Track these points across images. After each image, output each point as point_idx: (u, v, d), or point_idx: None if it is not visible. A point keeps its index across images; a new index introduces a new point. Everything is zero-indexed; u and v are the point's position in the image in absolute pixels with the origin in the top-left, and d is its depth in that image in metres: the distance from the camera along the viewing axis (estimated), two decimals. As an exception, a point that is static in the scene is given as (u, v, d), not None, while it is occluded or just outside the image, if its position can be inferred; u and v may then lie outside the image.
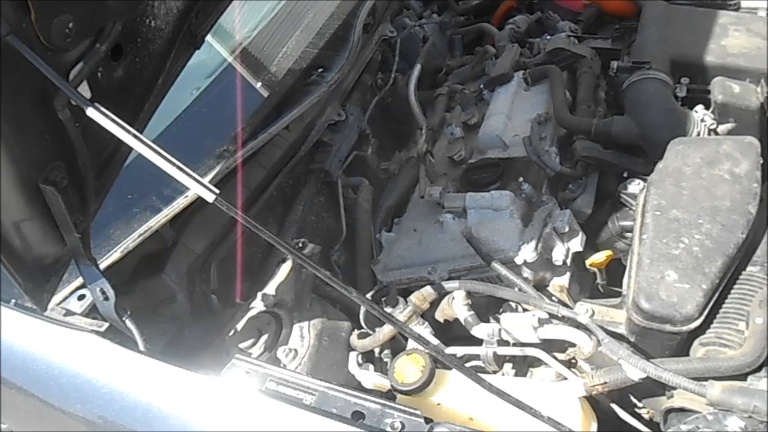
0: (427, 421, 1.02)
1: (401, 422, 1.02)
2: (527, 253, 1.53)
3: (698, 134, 1.64)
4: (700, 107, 1.69)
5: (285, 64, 1.97)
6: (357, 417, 1.04)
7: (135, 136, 0.92)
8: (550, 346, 1.43)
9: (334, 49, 2.02)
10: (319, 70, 1.98)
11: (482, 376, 1.17)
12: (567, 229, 1.56)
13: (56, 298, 1.27)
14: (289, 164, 1.84)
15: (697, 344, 1.27)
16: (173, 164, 0.92)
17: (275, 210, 1.83)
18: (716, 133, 1.67)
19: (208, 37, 1.43)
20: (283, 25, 2.07)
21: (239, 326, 1.48)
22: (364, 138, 2.07)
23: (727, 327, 1.24)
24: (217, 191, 0.93)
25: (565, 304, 1.48)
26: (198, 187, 0.92)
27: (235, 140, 1.67)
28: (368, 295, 1.67)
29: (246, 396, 1.09)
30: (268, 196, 1.77)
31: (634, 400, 1.39)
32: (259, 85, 1.92)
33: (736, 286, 1.28)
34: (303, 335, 1.52)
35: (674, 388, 1.22)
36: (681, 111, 1.68)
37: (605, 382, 1.28)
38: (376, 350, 1.58)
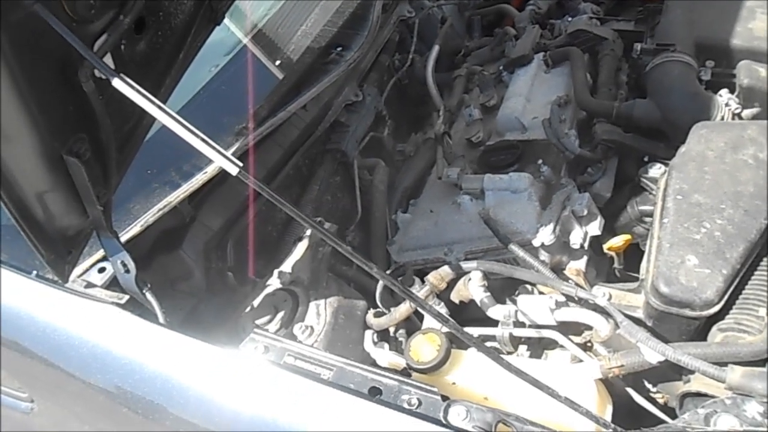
0: (444, 398, 1.03)
1: (418, 399, 1.03)
2: (545, 235, 1.52)
3: (722, 118, 1.62)
4: (724, 91, 1.67)
5: (304, 43, 1.96)
6: (374, 393, 1.05)
7: (160, 108, 0.92)
8: (566, 329, 1.42)
9: (353, 28, 2.01)
10: (338, 48, 1.97)
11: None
12: (585, 212, 1.55)
13: (77, 270, 1.28)
14: (305, 144, 1.84)
15: (715, 330, 1.25)
16: (197, 136, 0.92)
17: (291, 189, 1.83)
18: (741, 118, 1.64)
19: (227, 16, 1.42)
20: (302, 3, 2.05)
21: (256, 303, 1.49)
22: (381, 119, 2.07)
23: (747, 313, 1.23)
24: (241, 164, 0.93)
25: (582, 288, 1.47)
26: (222, 160, 0.93)
27: (254, 118, 1.67)
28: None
29: (265, 369, 1.10)
30: (284, 175, 1.77)
31: (649, 385, 1.39)
32: (277, 63, 1.92)
33: (757, 272, 1.26)
34: (319, 313, 1.53)
35: (692, 372, 1.22)
36: (705, 95, 1.66)
37: (622, 365, 1.27)
38: (391, 329, 1.58)
